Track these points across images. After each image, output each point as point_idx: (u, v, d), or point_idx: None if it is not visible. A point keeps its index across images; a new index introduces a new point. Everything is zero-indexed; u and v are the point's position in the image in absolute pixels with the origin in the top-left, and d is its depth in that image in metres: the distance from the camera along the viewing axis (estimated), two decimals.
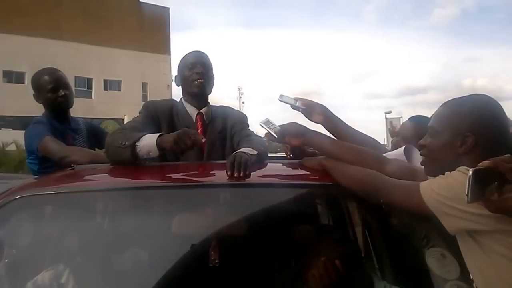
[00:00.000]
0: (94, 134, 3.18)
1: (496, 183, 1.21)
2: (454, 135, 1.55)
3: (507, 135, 1.58)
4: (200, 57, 2.56)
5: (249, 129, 2.57)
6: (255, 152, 2.09)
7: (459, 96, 1.68)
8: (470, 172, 1.20)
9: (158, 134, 2.05)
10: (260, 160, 2.15)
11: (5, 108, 29.07)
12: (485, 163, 1.22)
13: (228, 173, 1.88)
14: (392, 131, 6.22)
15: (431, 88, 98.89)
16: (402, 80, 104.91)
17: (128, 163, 2.06)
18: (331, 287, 1.75)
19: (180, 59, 2.62)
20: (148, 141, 2.02)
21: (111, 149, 2.12)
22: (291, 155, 2.48)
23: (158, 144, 2.00)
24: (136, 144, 2.02)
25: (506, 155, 1.26)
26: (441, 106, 1.68)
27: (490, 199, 1.23)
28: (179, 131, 2.01)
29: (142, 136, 2.05)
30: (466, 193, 1.21)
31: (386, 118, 26.53)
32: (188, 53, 2.60)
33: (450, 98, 1.68)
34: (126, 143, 2.03)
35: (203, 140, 2.03)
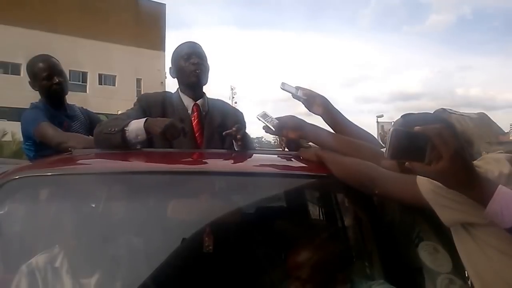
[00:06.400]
0: (91, 121, 3.19)
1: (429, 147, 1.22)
2: None
3: None
4: (195, 48, 2.59)
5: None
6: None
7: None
8: (391, 130, 1.24)
9: (145, 118, 2.17)
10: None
11: (1, 99, 29.09)
12: (417, 128, 1.24)
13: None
14: (383, 135, 6.24)
15: (424, 95, 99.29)
16: (394, 86, 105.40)
17: (118, 148, 2.15)
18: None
19: (174, 50, 2.65)
20: (136, 125, 2.14)
21: (101, 136, 2.21)
22: (287, 148, 2.49)
23: (146, 128, 2.13)
24: (125, 129, 2.13)
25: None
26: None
27: (415, 162, 1.24)
28: (167, 122, 2.14)
29: (130, 122, 2.15)
30: (386, 148, 1.24)
31: (377, 122, 26.64)
32: (182, 44, 2.63)
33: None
34: (116, 129, 2.14)
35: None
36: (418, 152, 1.22)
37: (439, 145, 1.20)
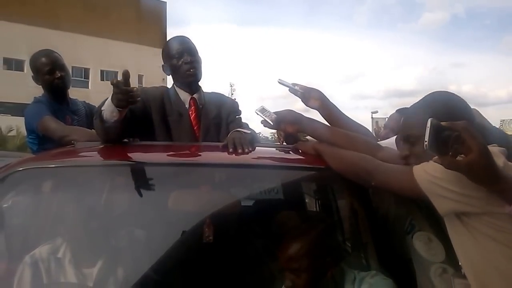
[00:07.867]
0: (93, 116, 3.20)
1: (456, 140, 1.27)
2: None
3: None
4: (184, 44, 2.56)
5: (242, 122, 2.62)
6: (248, 131, 2.18)
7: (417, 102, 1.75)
8: (429, 121, 1.28)
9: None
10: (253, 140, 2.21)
11: (4, 94, 29.30)
12: (444, 123, 1.29)
13: (230, 149, 1.96)
14: (377, 131, 6.26)
15: (418, 92, 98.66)
16: (389, 83, 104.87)
17: (102, 131, 2.11)
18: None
19: (163, 48, 2.62)
20: (107, 103, 2.04)
21: (94, 126, 2.19)
22: (285, 142, 2.51)
23: (115, 104, 2.01)
24: (102, 109, 2.06)
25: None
26: (405, 116, 1.79)
27: (445, 155, 1.28)
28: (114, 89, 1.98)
29: (105, 100, 2.07)
30: (425, 139, 1.27)
31: (372, 118, 26.61)
32: (170, 41, 2.60)
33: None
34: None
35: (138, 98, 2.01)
36: (446, 145, 1.27)
37: (468, 139, 1.24)
